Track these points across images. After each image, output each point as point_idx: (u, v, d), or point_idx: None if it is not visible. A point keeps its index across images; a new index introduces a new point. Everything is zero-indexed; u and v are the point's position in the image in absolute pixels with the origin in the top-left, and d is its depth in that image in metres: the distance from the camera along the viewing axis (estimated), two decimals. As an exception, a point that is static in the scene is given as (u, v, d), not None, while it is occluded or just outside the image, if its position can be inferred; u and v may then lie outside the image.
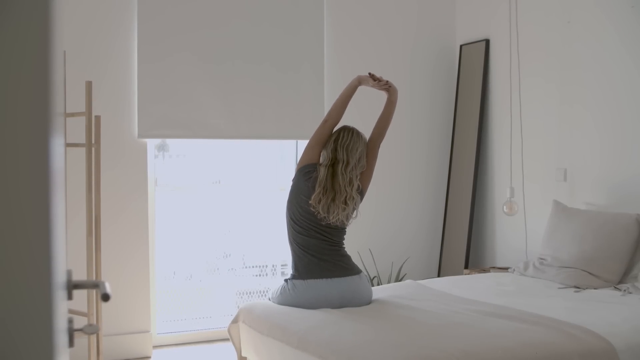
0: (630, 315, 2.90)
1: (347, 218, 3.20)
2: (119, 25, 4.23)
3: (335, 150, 3.20)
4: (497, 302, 3.17)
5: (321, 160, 3.25)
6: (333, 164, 3.18)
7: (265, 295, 4.70)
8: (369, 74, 3.39)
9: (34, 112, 0.84)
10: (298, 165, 3.31)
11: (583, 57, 4.13)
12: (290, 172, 4.83)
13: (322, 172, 3.16)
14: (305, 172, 3.23)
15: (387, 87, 3.40)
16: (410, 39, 5.09)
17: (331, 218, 3.14)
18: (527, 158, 4.48)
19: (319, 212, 3.13)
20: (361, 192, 3.24)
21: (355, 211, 3.21)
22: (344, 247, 3.27)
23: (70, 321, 1.06)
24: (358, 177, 3.22)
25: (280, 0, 4.63)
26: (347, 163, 3.18)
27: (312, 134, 4.76)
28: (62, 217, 0.96)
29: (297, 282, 3.15)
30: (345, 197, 3.14)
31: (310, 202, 3.13)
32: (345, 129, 3.27)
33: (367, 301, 3.18)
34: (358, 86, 3.34)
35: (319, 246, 3.18)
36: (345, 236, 3.28)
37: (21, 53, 0.83)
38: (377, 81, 3.36)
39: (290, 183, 3.32)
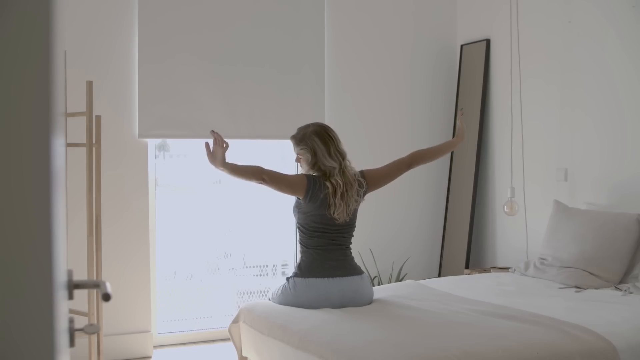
0: (631, 315, 2.90)
1: (360, 196, 3.23)
2: (120, 25, 4.23)
3: (339, 153, 3.22)
4: (497, 302, 3.17)
5: (328, 170, 3.19)
6: (340, 169, 3.20)
7: (265, 295, 4.70)
8: (460, 109, 3.62)
9: (36, 111, 0.84)
10: (297, 194, 3.19)
11: (584, 58, 4.13)
12: (291, 172, 4.83)
13: (340, 181, 3.16)
14: (316, 187, 3.18)
15: (461, 129, 3.56)
16: (411, 39, 5.08)
17: (351, 211, 3.19)
18: (528, 158, 4.48)
19: (340, 219, 3.16)
20: (364, 177, 3.29)
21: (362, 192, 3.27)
22: (350, 248, 3.28)
23: (71, 321, 1.06)
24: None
25: (281, 2, 4.63)
26: (344, 152, 3.25)
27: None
28: (62, 216, 0.97)
29: (298, 280, 3.15)
30: (357, 185, 3.22)
31: (335, 216, 3.15)
32: (325, 132, 3.23)
33: (368, 301, 3.19)
34: (223, 162, 3.07)
35: (327, 246, 3.19)
36: (354, 233, 3.31)
37: (23, 53, 0.83)
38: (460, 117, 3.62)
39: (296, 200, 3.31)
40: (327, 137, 3.22)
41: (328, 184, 3.15)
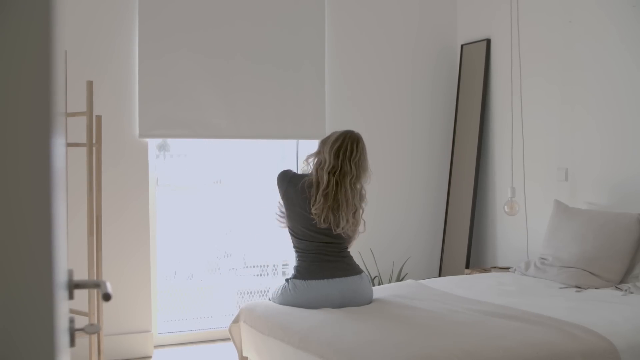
0: (632, 315, 2.90)
1: (355, 232, 3.17)
2: (120, 24, 4.23)
3: (337, 157, 3.13)
4: (498, 302, 3.16)
5: (318, 164, 3.18)
6: (335, 172, 3.12)
7: (266, 295, 4.70)
8: None
9: (36, 111, 0.84)
10: (283, 190, 3.25)
11: (584, 57, 4.12)
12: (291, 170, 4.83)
13: (327, 178, 3.09)
14: (295, 176, 3.21)
15: None
16: (411, 39, 5.08)
17: (337, 229, 3.12)
18: (528, 158, 4.48)
19: (321, 223, 3.11)
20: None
21: (363, 225, 3.21)
22: (347, 248, 3.27)
23: (71, 321, 1.06)
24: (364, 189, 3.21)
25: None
26: (358, 177, 3.14)
27: (312, 133, 4.74)
28: (63, 216, 0.96)
29: (298, 282, 3.14)
30: (355, 211, 3.13)
31: (312, 211, 3.12)
32: (350, 138, 3.16)
33: (368, 301, 3.18)
34: None
35: (320, 248, 3.18)
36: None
37: (23, 53, 0.83)
38: None
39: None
40: (341, 139, 3.15)
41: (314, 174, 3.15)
